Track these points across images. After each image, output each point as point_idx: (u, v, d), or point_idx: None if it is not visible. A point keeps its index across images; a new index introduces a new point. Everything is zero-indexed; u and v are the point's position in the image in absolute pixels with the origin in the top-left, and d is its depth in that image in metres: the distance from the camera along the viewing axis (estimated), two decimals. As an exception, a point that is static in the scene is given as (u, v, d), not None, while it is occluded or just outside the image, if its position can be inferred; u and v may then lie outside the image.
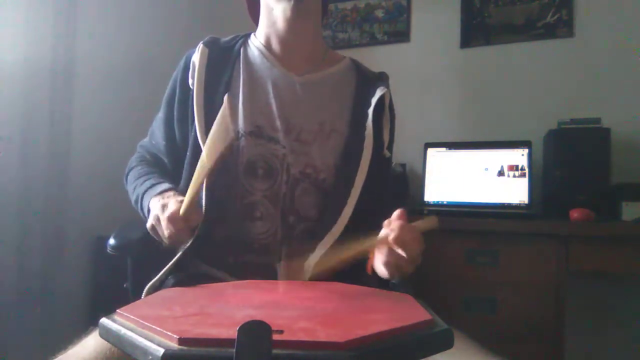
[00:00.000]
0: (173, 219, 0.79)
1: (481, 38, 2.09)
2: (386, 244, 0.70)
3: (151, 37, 2.03)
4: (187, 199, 0.79)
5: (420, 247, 0.71)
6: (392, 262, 0.71)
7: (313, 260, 0.85)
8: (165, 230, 0.81)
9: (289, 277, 0.84)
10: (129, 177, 1.00)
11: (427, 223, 0.74)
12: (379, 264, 0.74)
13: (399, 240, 0.68)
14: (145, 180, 0.93)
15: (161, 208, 0.82)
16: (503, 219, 1.60)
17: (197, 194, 0.79)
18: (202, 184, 0.78)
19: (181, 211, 0.78)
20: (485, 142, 1.91)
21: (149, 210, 0.87)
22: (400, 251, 0.68)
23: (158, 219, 0.82)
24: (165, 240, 0.82)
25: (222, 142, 0.72)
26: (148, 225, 0.85)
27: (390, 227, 0.70)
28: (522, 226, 1.54)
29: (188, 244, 0.83)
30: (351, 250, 0.78)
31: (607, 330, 1.82)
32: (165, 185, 0.89)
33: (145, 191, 0.91)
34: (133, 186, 0.96)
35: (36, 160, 1.58)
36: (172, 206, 0.80)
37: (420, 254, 0.72)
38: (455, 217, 1.65)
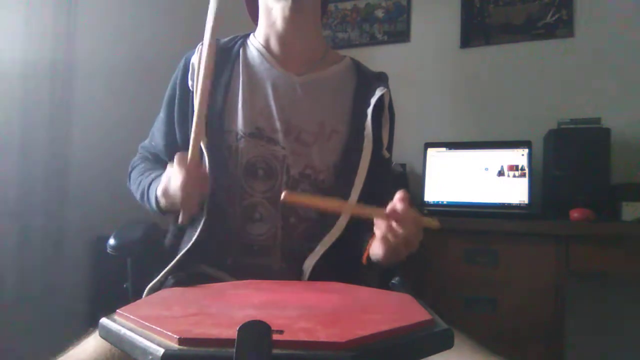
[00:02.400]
0: (181, 161, 0.80)
1: (481, 38, 2.09)
2: (385, 217, 0.70)
3: (151, 37, 2.02)
4: (190, 149, 0.81)
5: (419, 232, 0.72)
6: (389, 240, 0.71)
7: (312, 260, 0.85)
8: (180, 187, 0.80)
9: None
10: (132, 175, 1.01)
11: (430, 221, 0.74)
12: (376, 244, 0.74)
13: (399, 217, 0.69)
14: (150, 174, 0.94)
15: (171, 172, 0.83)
16: (503, 219, 1.60)
17: (198, 143, 0.81)
18: (200, 131, 0.80)
19: (189, 157, 0.80)
20: (485, 142, 1.91)
21: (156, 199, 0.87)
22: (397, 227, 0.69)
23: (169, 178, 0.82)
24: (179, 205, 0.82)
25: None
26: (159, 192, 0.85)
27: (392, 205, 0.70)
28: (522, 226, 1.54)
29: (188, 246, 0.83)
30: (351, 207, 0.80)
31: (607, 330, 1.82)
32: None
33: (151, 182, 0.91)
34: (138, 182, 0.96)
35: (36, 160, 1.58)
36: (178, 156, 0.81)
37: (418, 240, 0.72)
38: (455, 217, 1.65)
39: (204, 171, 0.83)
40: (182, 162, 0.80)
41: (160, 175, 0.91)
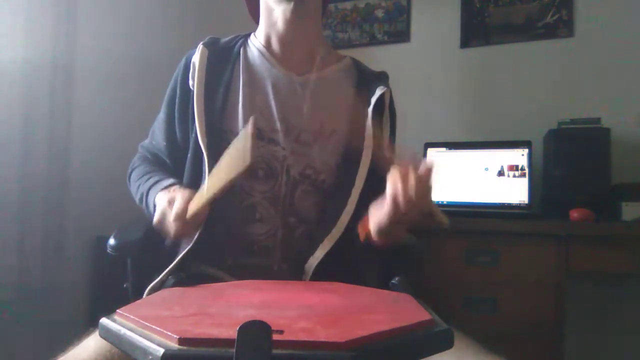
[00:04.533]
0: (180, 217, 0.78)
1: (481, 38, 2.09)
2: (400, 170, 0.68)
3: (151, 37, 2.03)
4: (194, 205, 0.77)
5: (428, 202, 0.70)
6: (397, 204, 0.69)
7: (313, 262, 0.85)
8: (171, 227, 0.80)
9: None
10: (131, 176, 1.01)
11: (441, 215, 0.72)
12: (375, 217, 0.73)
13: (415, 188, 0.67)
14: (150, 178, 0.94)
15: (168, 203, 0.81)
16: (503, 219, 1.60)
17: (205, 206, 0.78)
18: (208, 200, 0.76)
19: (188, 214, 0.78)
20: (485, 142, 1.91)
21: (154, 207, 0.87)
22: (412, 187, 0.67)
23: (164, 215, 0.81)
24: (171, 236, 0.82)
25: (233, 170, 0.67)
26: (155, 220, 0.84)
27: (412, 170, 0.68)
28: (522, 226, 1.54)
29: (189, 246, 0.83)
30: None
31: (607, 330, 1.82)
32: (170, 181, 0.90)
33: (150, 187, 0.91)
34: (137, 184, 0.96)
35: (36, 160, 1.58)
36: (179, 203, 0.79)
37: (423, 211, 0.70)
38: (455, 217, 1.65)
39: (202, 219, 0.81)
40: (179, 218, 0.79)
41: (158, 180, 0.91)
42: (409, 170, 0.68)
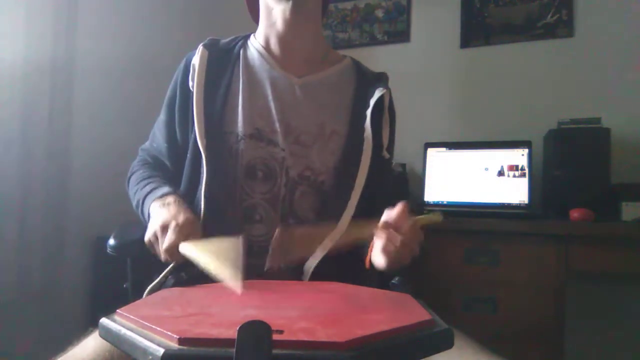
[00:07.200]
0: (170, 250, 0.77)
1: (481, 38, 2.09)
2: (382, 229, 0.71)
3: (151, 37, 2.03)
4: (185, 250, 0.75)
5: (418, 238, 0.72)
6: (389, 249, 0.72)
7: (313, 262, 0.85)
8: (161, 255, 0.80)
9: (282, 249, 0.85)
10: (130, 181, 1.00)
11: (430, 217, 0.74)
12: (377, 252, 0.75)
13: (396, 226, 0.70)
14: (146, 185, 0.93)
15: (161, 229, 0.79)
16: (503, 219, 1.60)
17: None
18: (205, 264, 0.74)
19: (180, 248, 0.76)
20: (485, 142, 1.91)
21: (149, 215, 0.86)
22: (395, 236, 0.70)
23: (156, 237, 0.80)
24: (161, 258, 0.81)
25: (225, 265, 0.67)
26: (145, 239, 0.83)
27: (389, 214, 0.71)
28: (522, 226, 1.54)
29: None
30: (350, 235, 0.80)
31: (607, 330, 1.82)
32: (166, 189, 0.89)
33: (146, 195, 0.90)
34: (134, 190, 0.96)
35: (36, 160, 1.58)
36: (171, 238, 0.77)
37: (418, 244, 0.73)
38: (455, 217, 1.65)
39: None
40: (169, 251, 0.77)
41: (154, 188, 0.90)
42: (389, 226, 0.71)
